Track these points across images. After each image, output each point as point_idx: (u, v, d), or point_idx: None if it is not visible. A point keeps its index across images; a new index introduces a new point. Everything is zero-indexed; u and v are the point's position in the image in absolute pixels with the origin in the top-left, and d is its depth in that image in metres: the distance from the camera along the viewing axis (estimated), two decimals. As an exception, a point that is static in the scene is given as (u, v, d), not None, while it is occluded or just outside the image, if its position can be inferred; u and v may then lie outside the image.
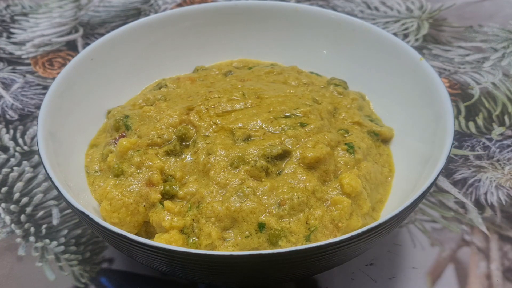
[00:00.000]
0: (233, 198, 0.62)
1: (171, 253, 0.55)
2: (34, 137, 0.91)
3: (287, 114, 0.71)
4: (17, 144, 0.90)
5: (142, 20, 0.86)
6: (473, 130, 0.91)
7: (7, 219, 0.79)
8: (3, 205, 0.81)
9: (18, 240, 0.77)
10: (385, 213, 0.69)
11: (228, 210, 0.61)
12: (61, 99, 0.74)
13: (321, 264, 0.59)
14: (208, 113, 0.70)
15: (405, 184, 0.71)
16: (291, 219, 0.62)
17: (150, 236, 0.66)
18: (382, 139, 0.76)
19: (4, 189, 0.83)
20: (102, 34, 1.08)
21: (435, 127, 0.70)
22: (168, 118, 0.70)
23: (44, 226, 0.78)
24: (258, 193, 0.62)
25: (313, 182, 0.64)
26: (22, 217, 0.79)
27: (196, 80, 0.82)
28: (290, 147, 0.66)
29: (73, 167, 0.72)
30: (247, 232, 0.61)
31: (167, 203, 0.64)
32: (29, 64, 1.05)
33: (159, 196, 0.65)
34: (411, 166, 0.72)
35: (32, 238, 0.77)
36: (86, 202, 0.68)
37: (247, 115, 0.70)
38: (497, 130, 0.91)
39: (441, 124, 0.69)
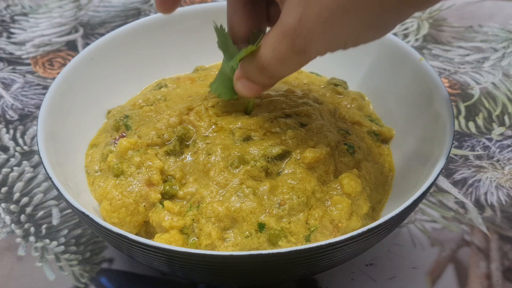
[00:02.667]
0: (233, 198, 0.62)
1: (171, 253, 0.55)
2: (34, 137, 0.91)
3: (287, 114, 0.71)
4: (17, 144, 0.90)
5: (142, 20, 0.86)
6: (473, 130, 0.91)
7: (7, 219, 0.79)
8: (3, 205, 0.81)
9: (18, 240, 0.77)
10: (385, 213, 0.69)
11: (228, 210, 0.61)
12: (61, 99, 0.74)
13: (321, 264, 0.59)
14: (208, 113, 0.70)
15: (405, 184, 0.71)
16: (291, 219, 0.62)
17: (150, 236, 0.66)
18: (382, 139, 0.76)
19: (4, 189, 0.83)
20: (102, 34, 1.08)
21: (435, 127, 0.70)
22: (168, 118, 0.70)
23: (44, 226, 0.78)
24: (258, 193, 0.62)
25: (313, 182, 0.64)
26: (22, 217, 0.79)
27: (196, 80, 0.82)
28: (290, 147, 0.66)
29: (73, 167, 0.72)
30: (247, 232, 0.61)
31: (167, 203, 0.64)
32: (29, 64, 1.05)
33: (159, 196, 0.65)
34: (411, 166, 0.72)
35: (32, 238, 0.77)
36: (86, 202, 0.68)
37: (246, 115, 0.71)
38: (497, 130, 0.91)
39: (441, 124, 0.69)
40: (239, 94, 0.64)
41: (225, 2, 0.65)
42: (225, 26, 0.64)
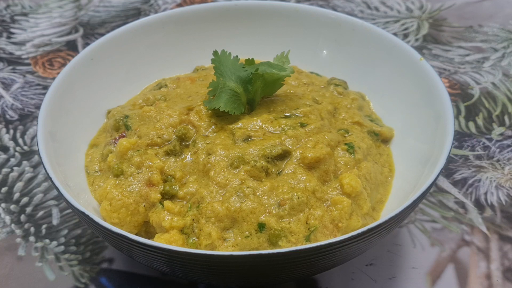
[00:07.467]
0: (233, 198, 0.62)
1: (171, 253, 0.55)
2: (34, 137, 0.91)
3: (287, 114, 0.71)
4: (17, 144, 0.90)
5: (142, 20, 0.86)
6: (473, 130, 0.91)
7: (7, 219, 0.79)
8: (3, 205, 0.81)
9: (18, 240, 0.77)
10: (385, 213, 0.69)
11: (228, 210, 0.61)
12: (61, 99, 0.74)
13: (321, 264, 0.59)
14: (208, 113, 0.70)
15: (405, 184, 0.71)
16: (291, 219, 0.62)
17: (150, 236, 0.66)
18: (382, 139, 0.76)
19: (4, 189, 0.83)
20: (102, 34, 1.08)
21: (435, 127, 0.70)
22: (168, 118, 0.70)
23: (44, 226, 0.78)
24: (258, 193, 0.62)
25: (313, 182, 0.64)
26: (22, 217, 0.79)
27: (196, 80, 0.82)
28: (290, 147, 0.66)
29: (73, 167, 0.72)
30: (247, 232, 0.61)
31: (167, 203, 0.64)
32: (29, 64, 1.05)
33: (159, 196, 0.65)
34: (411, 166, 0.72)
35: (32, 238, 0.77)
36: (86, 202, 0.68)
37: (247, 115, 0.70)
38: (497, 130, 0.91)
39: (441, 124, 0.69)
40: None
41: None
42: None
